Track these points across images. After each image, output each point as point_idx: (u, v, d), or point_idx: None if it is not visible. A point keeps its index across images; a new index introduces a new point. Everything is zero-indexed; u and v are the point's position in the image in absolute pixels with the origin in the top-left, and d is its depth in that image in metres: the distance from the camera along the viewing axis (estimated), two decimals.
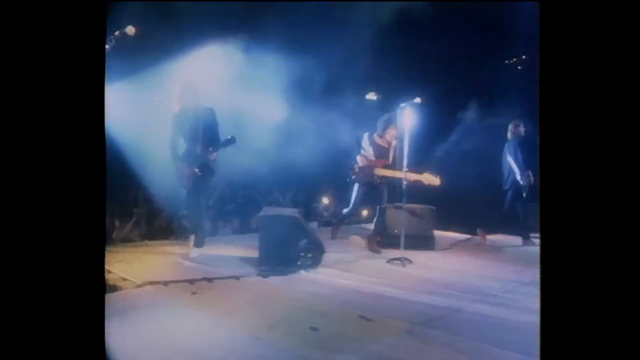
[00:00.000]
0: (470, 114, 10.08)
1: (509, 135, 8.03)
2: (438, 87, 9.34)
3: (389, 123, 6.72)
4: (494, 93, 9.42)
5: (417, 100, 6.11)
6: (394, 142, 6.84)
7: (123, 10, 4.64)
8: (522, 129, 7.92)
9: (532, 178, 7.56)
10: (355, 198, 7.04)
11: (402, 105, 6.14)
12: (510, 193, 7.94)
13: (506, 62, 11.31)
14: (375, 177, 6.84)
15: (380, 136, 6.89)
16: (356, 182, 7.00)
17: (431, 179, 6.56)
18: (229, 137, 5.57)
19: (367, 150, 6.97)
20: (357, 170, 6.95)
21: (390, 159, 6.85)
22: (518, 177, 7.71)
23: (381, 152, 6.94)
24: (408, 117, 6.16)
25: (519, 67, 11.42)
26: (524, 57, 11.39)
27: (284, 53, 7.70)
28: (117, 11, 4.08)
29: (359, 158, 6.94)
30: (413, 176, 6.43)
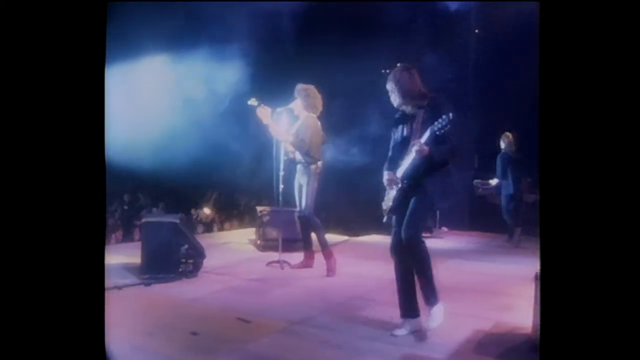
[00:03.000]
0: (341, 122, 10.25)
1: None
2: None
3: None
4: (367, 101, 9.72)
5: (292, 106, 6.32)
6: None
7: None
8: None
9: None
10: None
11: (278, 110, 6.32)
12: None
13: (382, 71, 11.67)
14: None
15: None
16: None
17: None
18: None
19: None
20: None
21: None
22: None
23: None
24: (284, 121, 6.37)
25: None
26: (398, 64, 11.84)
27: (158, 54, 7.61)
28: (117, 11, 3.94)
29: None
30: None
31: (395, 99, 4.17)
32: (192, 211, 11.06)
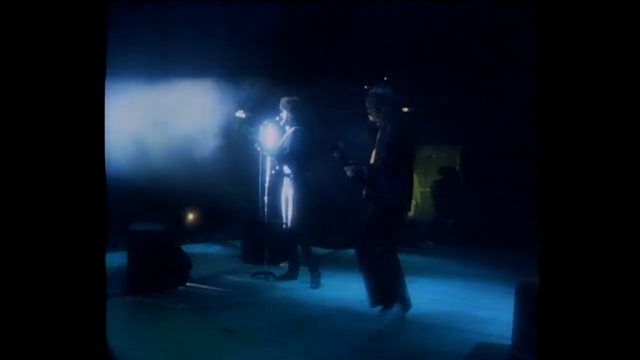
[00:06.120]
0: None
1: None
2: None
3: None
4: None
5: (278, 118, 6.40)
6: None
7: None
8: None
9: None
10: None
11: (265, 122, 6.39)
12: None
13: (365, 87, 11.58)
14: None
15: None
16: None
17: None
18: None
19: None
20: None
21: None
22: None
23: None
24: (270, 132, 6.45)
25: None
26: (385, 78, 11.83)
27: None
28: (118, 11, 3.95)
29: None
30: None
31: None
32: (179, 221, 11.01)
